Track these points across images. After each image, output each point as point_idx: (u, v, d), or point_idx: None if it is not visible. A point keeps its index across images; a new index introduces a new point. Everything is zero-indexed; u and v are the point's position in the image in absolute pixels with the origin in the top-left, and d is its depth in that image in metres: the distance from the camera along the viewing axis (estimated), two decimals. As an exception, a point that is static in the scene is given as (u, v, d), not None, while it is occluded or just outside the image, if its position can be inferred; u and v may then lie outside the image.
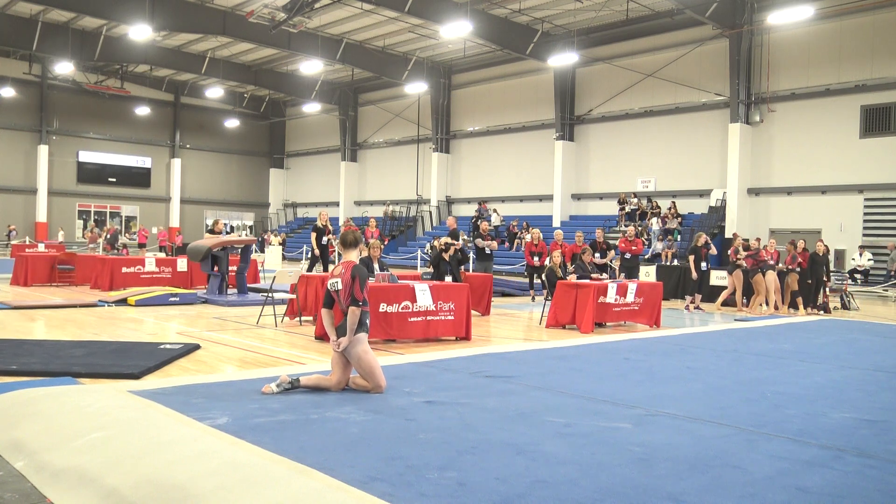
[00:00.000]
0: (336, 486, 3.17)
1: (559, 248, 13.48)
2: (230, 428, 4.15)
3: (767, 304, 14.25)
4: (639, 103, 26.34)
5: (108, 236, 27.78)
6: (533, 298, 15.67)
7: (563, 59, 24.87)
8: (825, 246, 14.89)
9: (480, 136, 32.27)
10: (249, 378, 5.82)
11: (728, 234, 22.87)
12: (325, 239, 14.69)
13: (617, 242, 15.99)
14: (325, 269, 14.36)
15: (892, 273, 19.56)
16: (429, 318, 8.72)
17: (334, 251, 16.00)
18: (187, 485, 3.16)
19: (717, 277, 16.51)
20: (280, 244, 31.85)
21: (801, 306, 14.26)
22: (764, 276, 14.09)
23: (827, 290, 14.91)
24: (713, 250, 16.50)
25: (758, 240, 15.02)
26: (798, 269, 14.37)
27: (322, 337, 8.30)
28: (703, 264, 14.59)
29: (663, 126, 25.73)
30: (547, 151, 28.84)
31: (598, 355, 7.76)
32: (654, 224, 24.45)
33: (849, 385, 6.39)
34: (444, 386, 5.71)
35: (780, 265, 14.62)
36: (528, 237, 18.15)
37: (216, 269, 12.99)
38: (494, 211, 29.97)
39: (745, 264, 14.14)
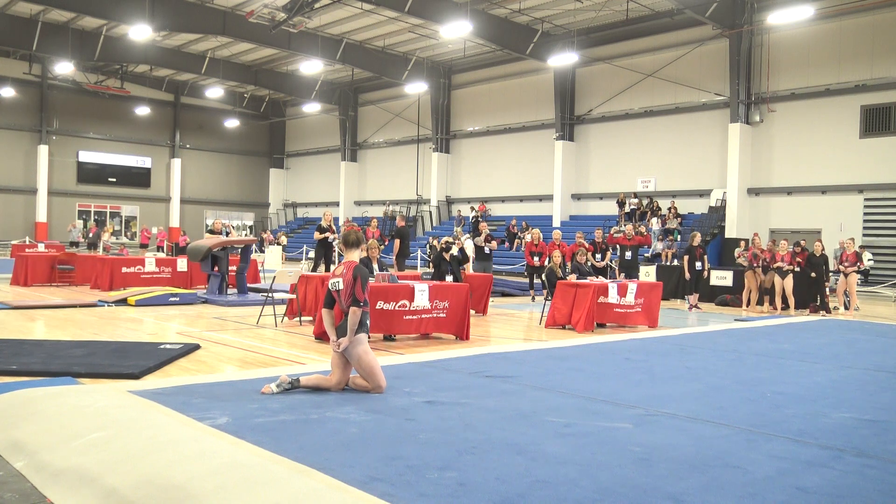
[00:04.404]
0: (336, 486, 3.17)
1: (559, 248, 13.50)
2: (230, 428, 4.15)
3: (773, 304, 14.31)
4: (639, 103, 26.35)
5: (91, 235, 27.11)
6: (533, 298, 15.68)
7: (563, 59, 24.87)
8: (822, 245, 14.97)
9: (480, 136, 32.28)
10: (249, 378, 5.82)
11: (728, 234, 22.90)
12: (329, 237, 15.09)
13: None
14: (328, 269, 14.46)
15: None
16: (423, 315, 8.73)
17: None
18: (187, 485, 3.16)
19: (717, 277, 16.53)
20: (282, 244, 31.97)
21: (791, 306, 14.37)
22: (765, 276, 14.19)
23: (827, 290, 14.92)
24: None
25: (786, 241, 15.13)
26: (796, 269, 14.39)
27: (321, 337, 8.30)
28: (698, 264, 14.62)
29: (663, 126, 25.73)
30: (547, 151, 28.84)
31: (598, 355, 7.76)
32: (654, 224, 24.45)
33: (849, 385, 6.38)
34: (444, 386, 5.71)
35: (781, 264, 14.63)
36: (528, 237, 18.16)
37: (216, 269, 12.99)
38: (472, 207, 30.62)
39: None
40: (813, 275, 14.43)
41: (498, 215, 30.64)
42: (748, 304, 15.15)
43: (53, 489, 3.35)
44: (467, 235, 20.54)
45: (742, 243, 16.95)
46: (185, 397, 4.95)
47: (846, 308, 15.10)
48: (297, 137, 42.79)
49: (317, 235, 15.39)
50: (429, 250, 24.31)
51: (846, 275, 14.21)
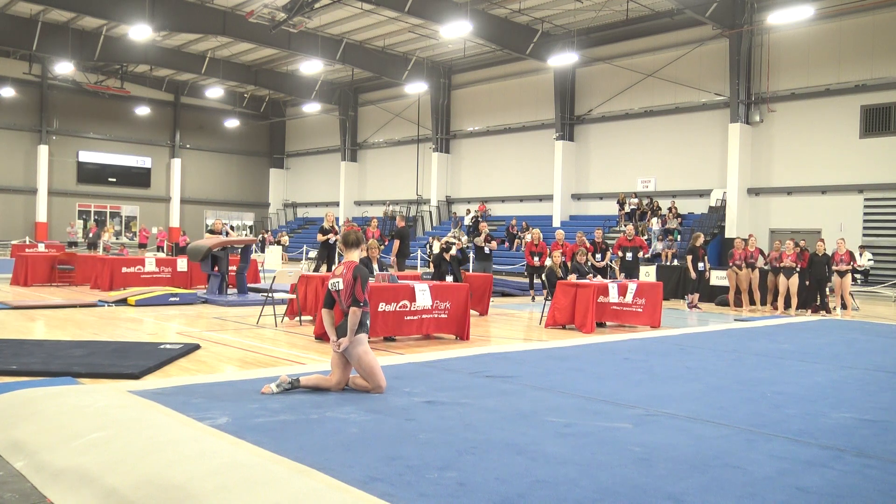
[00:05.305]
0: (336, 486, 3.17)
1: (559, 248, 13.50)
2: (230, 428, 4.15)
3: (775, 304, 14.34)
4: (639, 103, 26.35)
5: (90, 235, 27.67)
6: (533, 298, 15.68)
7: (563, 59, 24.87)
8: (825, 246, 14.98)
9: (480, 136, 32.28)
10: (249, 378, 5.82)
11: (728, 234, 22.90)
12: (331, 238, 15.12)
13: (615, 242, 16.03)
14: (329, 270, 14.47)
15: None
16: (423, 316, 8.74)
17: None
18: (187, 485, 3.16)
19: (717, 277, 16.53)
20: (284, 244, 32.06)
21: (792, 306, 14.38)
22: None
23: (827, 290, 14.92)
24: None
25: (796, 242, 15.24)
26: (797, 269, 14.40)
27: (322, 337, 8.30)
28: (700, 264, 14.67)
29: (663, 126, 25.73)
30: (547, 151, 28.85)
31: (598, 355, 7.75)
32: (654, 224, 24.45)
33: (849, 385, 6.38)
34: (444, 386, 5.71)
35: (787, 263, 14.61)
36: (528, 237, 18.15)
37: (216, 269, 12.99)
38: (468, 210, 30.85)
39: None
40: (809, 282, 14.46)
41: (498, 215, 30.65)
42: (734, 304, 15.19)
43: (53, 489, 3.35)
44: (451, 235, 20.49)
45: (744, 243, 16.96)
46: (185, 397, 4.95)
47: (844, 308, 15.12)
48: (297, 137, 42.79)
49: (320, 237, 15.37)
50: (429, 250, 24.33)
51: (841, 275, 14.21)
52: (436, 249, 11.72)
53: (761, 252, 15.33)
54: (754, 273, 15.00)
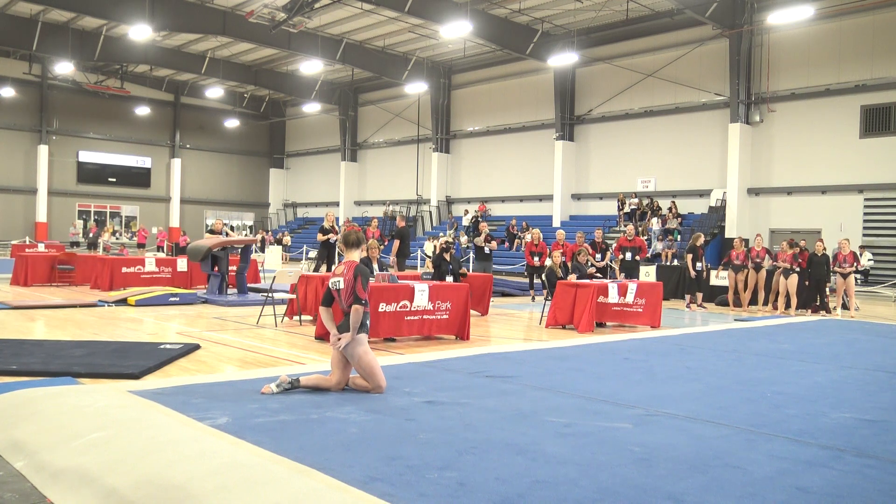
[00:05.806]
0: (336, 486, 3.17)
1: (559, 248, 13.50)
2: (230, 428, 4.15)
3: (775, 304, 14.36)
4: (639, 103, 26.35)
5: (91, 235, 27.90)
6: (533, 298, 15.68)
7: (563, 59, 24.88)
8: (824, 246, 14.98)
9: (480, 136, 32.28)
10: (249, 378, 5.82)
11: (728, 234, 22.90)
12: (332, 238, 15.17)
13: (614, 243, 16.05)
14: (329, 270, 14.49)
15: None
16: (424, 316, 8.74)
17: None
18: (187, 485, 3.16)
19: (718, 277, 16.54)
20: (285, 244, 32.13)
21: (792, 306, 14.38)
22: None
23: (827, 290, 14.92)
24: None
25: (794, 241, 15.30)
26: (797, 270, 14.39)
27: (322, 337, 8.30)
28: (699, 264, 14.69)
29: (663, 126, 25.73)
30: (547, 151, 28.85)
31: (598, 355, 7.75)
32: (654, 224, 24.45)
33: (849, 385, 6.38)
34: (444, 386, 5.71)
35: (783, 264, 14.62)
36: (528, 237, 18.16)
37: (216, 269, 12.99)
38: (466, 210, 30.91)
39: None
40: (808, 282, 14.48)
41: (498, 215, 30.65)
42: (734, 304, 15.21)
43: (53, 489, 3.35)
44: (449, 235, 20.55)
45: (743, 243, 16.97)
46: (185, 397, 4.95)
47: (845, 308, 15.09)
48: (297, 137, 42.79)
49: (320, 237, 15.43)
50: (430, 252, 24.33)
51: (844, 276, 14.21)
52: (427, 250, 11.74)
53: (768, 252, 15.31)
54: (760, 273, 14.98)
